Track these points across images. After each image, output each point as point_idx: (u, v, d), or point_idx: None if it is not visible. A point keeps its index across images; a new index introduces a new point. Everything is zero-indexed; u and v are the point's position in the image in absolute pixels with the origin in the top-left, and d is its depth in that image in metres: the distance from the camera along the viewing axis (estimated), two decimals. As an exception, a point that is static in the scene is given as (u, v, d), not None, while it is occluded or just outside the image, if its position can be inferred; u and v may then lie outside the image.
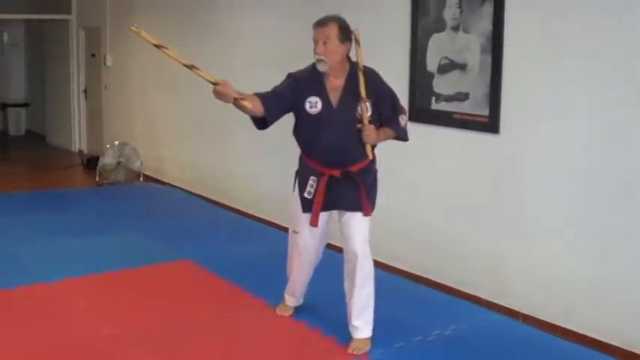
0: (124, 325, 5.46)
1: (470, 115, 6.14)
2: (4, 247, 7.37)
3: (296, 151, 5.27)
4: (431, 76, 6.45)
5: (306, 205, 5.14)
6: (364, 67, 4.91)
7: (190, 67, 4.73)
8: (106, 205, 9.63)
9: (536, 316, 5.75)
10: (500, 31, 5.83)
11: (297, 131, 5.18)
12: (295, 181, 5.27)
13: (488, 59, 5.93)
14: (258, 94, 4.91)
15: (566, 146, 5.50)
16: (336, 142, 4.98)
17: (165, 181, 11.13)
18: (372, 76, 5.00)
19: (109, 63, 12.75)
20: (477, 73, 6.03)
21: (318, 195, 5.06)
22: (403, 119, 5.15)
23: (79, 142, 14.54)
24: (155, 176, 11.36)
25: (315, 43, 4.94)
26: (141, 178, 11.31)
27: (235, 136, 9.30)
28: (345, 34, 4.95)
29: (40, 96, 16.31)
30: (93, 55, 13.59)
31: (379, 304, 5.16)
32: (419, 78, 6.55)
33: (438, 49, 6.38)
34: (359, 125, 4.93)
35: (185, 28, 10.42)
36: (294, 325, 5.47)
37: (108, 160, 11.22)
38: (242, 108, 4.81)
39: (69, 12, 14.07)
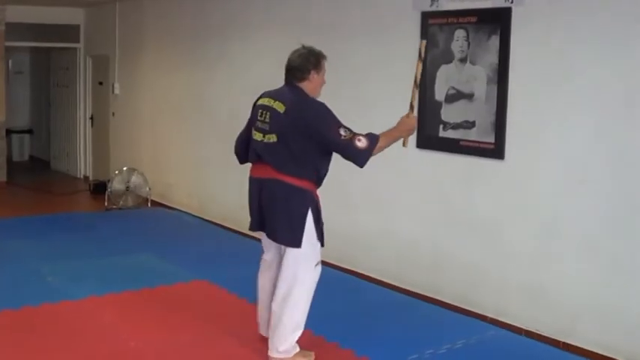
0: (150, 340, 5.74)
1: (476, 142, 6.46)
2: (26, 267, 7.65)
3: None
4: (439, 105, 6.77)
5: (322, 235, 5.25)
6: None
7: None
8: (118, 229, 9.90)
9: (539, 332, 6.04)
10: (506, 63, 6.17)
11: (324, 162, 5.25)
12: (307, 215, 5.14)
13: (494, 89, 6.27)
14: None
15: (569, 170, 5.82)
16: None
17: (172, 206, 11.39)
18: None
19: (117, 91, 13.02)
20: (484, 102, 6.36)
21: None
22: None
23: (84, 168, 14.80)
24: (162, 202, 11.63)
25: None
26: (149, 204, 11.58)
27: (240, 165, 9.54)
28: None
29: (45, 122, 16.56)
30: (100, 83, 13.86)
31: (394, 322, 5.48)
32: (427, 107, 6.86)
33: (445, 79, 6.72)
34: None
35: (194, 58, 10.73)
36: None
37: (117, 185, 11.48)
38: None
39: (77, 40, 14.36)
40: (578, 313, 5.77)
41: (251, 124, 5.39)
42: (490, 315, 6.40)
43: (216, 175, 10.25)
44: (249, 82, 9.44)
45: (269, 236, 5.31)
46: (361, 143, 4.97)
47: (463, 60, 6.53)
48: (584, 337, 5.73)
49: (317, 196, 5.19)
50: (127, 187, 11.53)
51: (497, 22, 6.21)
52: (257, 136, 5.23)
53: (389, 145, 5.15)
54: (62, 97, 15.30)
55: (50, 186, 13.90)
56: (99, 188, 12.50)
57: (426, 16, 6.85)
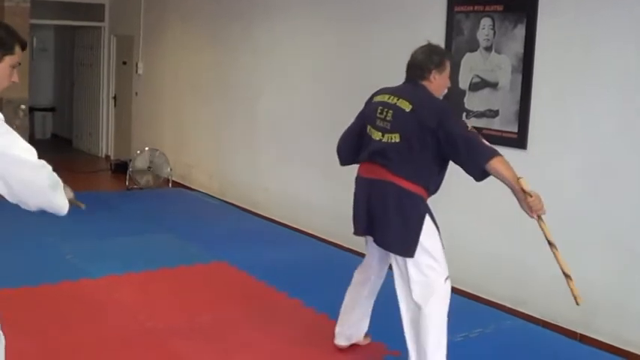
0: (168, 320, 5.76)
1: (499, 131, 6.43)
2: (45, 245, 7.68)
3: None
4: (462, 93, 6.74)
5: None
6: None
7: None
8: (139, 209, 9.94)
9: (556, 323, 6.02)
10: (531, 52, 6.13)
11: (438, 170, 4.91)
12: (424, 222, 4.75)
13: (519, 78, 6.23)
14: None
15: (593, 162, 5.78)
16: None
17: (193, 187, 11.41)
18: None
19: (140, 71, 13.04)
20: (508, 91, 6.33)
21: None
22: None
23: (106, 147, 14.83)
24: (183, 182, 11.65)
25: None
26: (170, 184, 11.61)
27: (263, 146, 9.57)
28: None
29: (67, 101, 16.60)
30: (124, 63, 13.87)
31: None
32: (451, 95, 6.83)
33: (470, 67, 6.69)
34: None
35: (218, 38, 10.73)
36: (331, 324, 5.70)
37: (138, 165, 11.50)
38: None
39: (102, 19, 14.36)
40: (597, 305, 5.74)
41: (366, 121, 4.92)
42: (508, 305, 6.39)
43: (238, 156, 10.26)
44: (273, 64, 9.44)
45: (378, 242, 4.87)
46: (487, 143, 4.61)
47: (488, 48, 6.49)
48: (601, 329, 5.71)
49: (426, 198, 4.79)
50: (149, 167, 11.55)
51: (524, 10, 6.17)
52: (375, 135, 4.77)
53: (508, 180, 4.70)
54: (86, 75, 15.31)
55: (72, 165, 13.89)
56: (120, 168, 12.52)
57: (451, 4, 6.82)
